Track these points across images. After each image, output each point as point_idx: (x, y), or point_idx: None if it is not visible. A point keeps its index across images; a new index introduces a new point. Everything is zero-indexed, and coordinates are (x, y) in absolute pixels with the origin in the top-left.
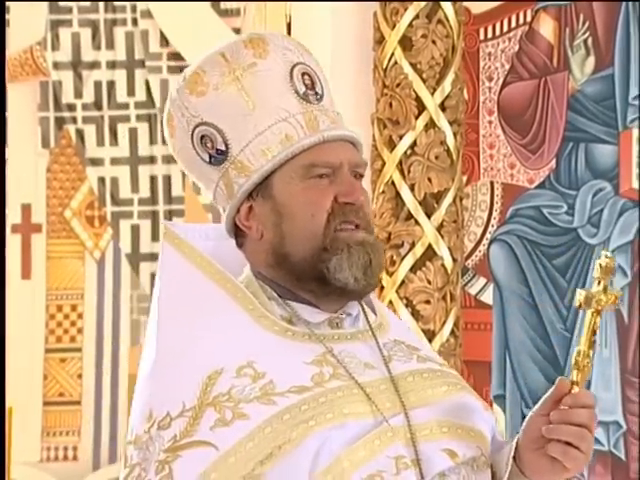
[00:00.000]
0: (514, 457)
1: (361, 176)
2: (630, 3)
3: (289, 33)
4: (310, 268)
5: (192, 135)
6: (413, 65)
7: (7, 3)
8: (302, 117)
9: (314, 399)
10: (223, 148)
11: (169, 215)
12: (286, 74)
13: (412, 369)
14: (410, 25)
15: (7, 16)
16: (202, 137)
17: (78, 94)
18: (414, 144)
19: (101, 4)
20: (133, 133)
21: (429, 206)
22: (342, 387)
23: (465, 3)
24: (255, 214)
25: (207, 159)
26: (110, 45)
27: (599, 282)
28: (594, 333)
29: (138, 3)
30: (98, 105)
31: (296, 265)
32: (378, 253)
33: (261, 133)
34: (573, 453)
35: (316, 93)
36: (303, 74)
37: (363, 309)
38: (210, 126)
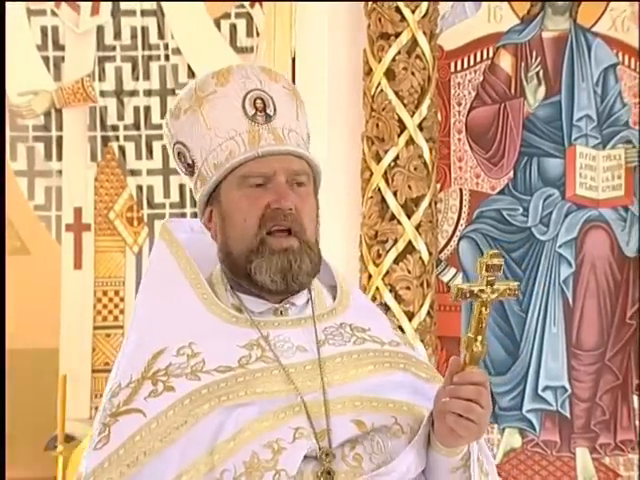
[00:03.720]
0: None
1: (304, 185)
2: (574, 42)
3: (293, 66)
4: (241, 267)
5: (173, 152)
6: (396, 92)
7: (62, 42)
8: (247, 135)
9: (234, 378)
10: (190, 162)
11: (195, 216)
12: (239, 99)
13: (344, 351)
14: (393, 60)
15: (62, 53)
16: (178, 153)
17: (120, 117)
18: (397, 158)
19: (139, 42)
20: (166, 149)
21: (409, 209)
22: (263, 369)
23: (438, 41)
24: (213, 217)
25: (184, 171)
26: (147, 76)
27: (483, 279)
28: (481, 321)
29: (170, 41)
30: (137, 126)
31: (233, 262)
32: (303, 258)
33: (214, 149)
34: (464, 423)
35: (266, 115)
36: (256, 99)
37: (314, 298)
38: (181, 144)
